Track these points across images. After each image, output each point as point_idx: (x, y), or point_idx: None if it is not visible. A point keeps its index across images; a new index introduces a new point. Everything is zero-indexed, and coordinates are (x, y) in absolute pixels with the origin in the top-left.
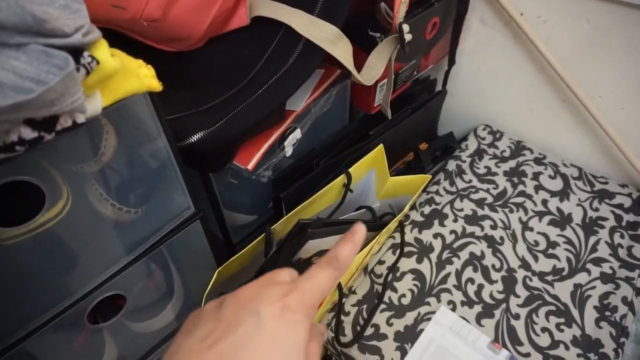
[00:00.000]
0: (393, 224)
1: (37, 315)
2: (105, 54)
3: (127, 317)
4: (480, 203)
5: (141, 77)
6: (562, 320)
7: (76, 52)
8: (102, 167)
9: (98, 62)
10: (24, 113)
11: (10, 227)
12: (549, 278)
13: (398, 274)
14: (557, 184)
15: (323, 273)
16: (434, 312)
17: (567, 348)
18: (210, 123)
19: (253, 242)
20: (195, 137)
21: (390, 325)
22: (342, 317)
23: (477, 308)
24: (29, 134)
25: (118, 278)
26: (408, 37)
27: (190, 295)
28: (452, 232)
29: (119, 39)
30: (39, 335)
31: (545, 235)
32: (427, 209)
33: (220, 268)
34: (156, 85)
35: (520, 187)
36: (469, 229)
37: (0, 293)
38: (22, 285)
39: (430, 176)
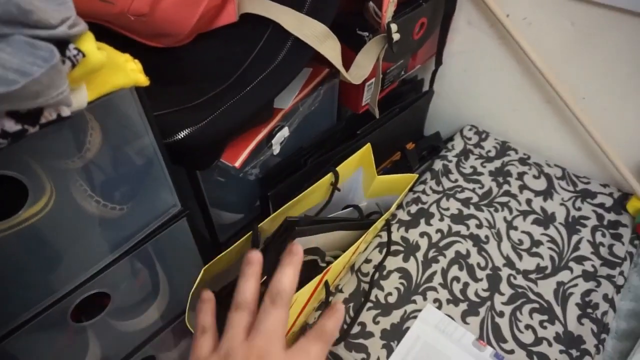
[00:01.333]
0: (380, 223)
1: (18, 314)
2: (92, 47)
3: (111, 316)
4: (466, 202)
5: (128, 71)
6: (545, 317)
7: (62, 44)
8: (87, 163)
9: (84, 55)
10: (8, 105)
11: None
12: (533, 276)
13: (384, 273)
14: (541, 184)
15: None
16: (420, 310)
17: (550, 344)
18: (198, 120)
19: (240, 241)
20: (182, 134)
21: (377, 323)
22: None
23: (463, 306)
24: (12, 126)
25: (102, 276)
26: (396, 36)
27: (176, 294)
28: (438, 231)
29: (106, 34)
30: (21, 333)
31: (529, 234)
32: (413, 208)
33: (207, 266)
34: (143, 80)
35: (505, 187)
36: (455, 228)
37: None
38: (3, 282)
39: (417, 175)
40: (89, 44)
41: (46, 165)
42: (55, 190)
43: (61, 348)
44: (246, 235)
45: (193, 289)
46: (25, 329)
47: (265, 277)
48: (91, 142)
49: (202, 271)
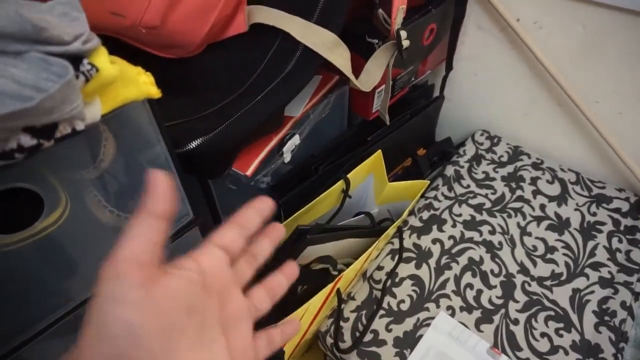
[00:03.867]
0: (392, 230)
1: (35, 322)
2: (105, 62)
3: None
4: (478, 208)
5: (140, 84)
6: (561, 325)
7: (75, 59)
8: (101, 174)
9: (97, 70)
10: (23, 121)
11: (9, 233)
12: (548, 283)
13: (397, 280)
14: (555, 189)
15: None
16: (433, 318)
17: (566, 353)
18: (209, 129)
19: None
20: (194, 144)
21: (390, 331)
22: (341, 323)
23: (476, 313)
24: (28, 141)
25: None
26: (406, 43)
27: None
28: (451, 237)
29: (118, 46)
30: (37, 342)
31: (543, 240)
32: (425, 215)
33: None
34: (155, 92)
35: (519, 192)
36: (468, 234)
37: (0, 298)
38: (20, 292)
39: (429, 182)
40: (102, 59)
41: (61, 176)
42: (70, 201)
43: None
44: None
45: None
46: (42, 337)
47: None
48: (105, 153)
49: None
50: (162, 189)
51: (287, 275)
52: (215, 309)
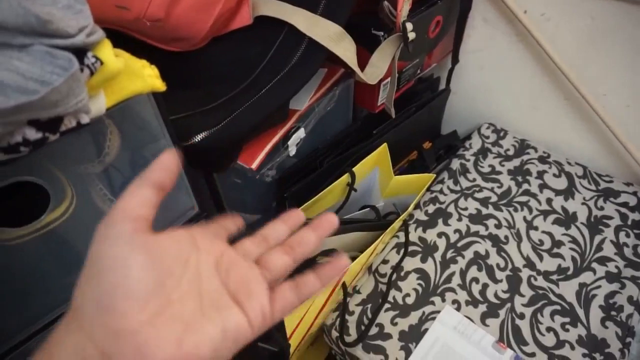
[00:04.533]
0: (397, 223)
1: (41, 316)
2: (109, 54)
3: None
4: (484, 202)
5: (145, 77)
6: (567, 319)
7: (80, 52)
8: (106, 168)
9: (102, 63)
10: (28, 114)
11: (15, 227)
12: (554, 277)
13: (402, 274)
14: (561, 183)
15: None
16: (438, 312)
17: (572, 348)
18: (214, 123)
19: None
20: (198, 137)
21: (395, 324)
22: (347, 317)
23: (482, 307)
24: (33, 134)
25: None
26: (411, 35)
27: None
28: (457, 231)
29: (122, 39)
30: (43, 336)
31: (550, 234)
32: (431, 208)
33: None
34: (160, 85)
35: (525, 186)
36: (473, 228)
37: (4, 294)
38: (26, 286)
39: (435, 175)
40: (107, 52)
41: (66, 170)
42: (75, 195)
43: None
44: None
45: None
46: (47, 332)
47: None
48: (110, 146)
49: None
50: (164, 164)
51: (318, 230)
52: (214, 274)
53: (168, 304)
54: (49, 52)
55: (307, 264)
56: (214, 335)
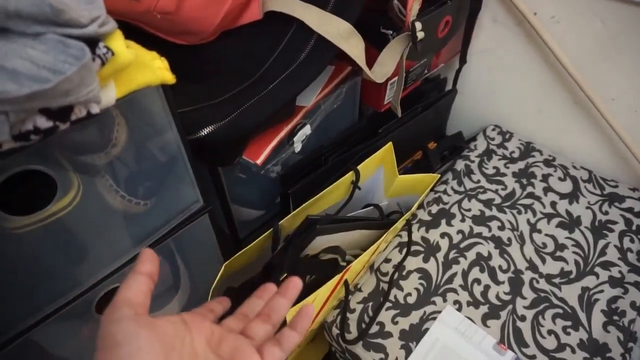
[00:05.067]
0: (400, 223)
1: (45, 305)
2: (121, 45)
3: None
4: (488, 203)
5: (155, 69)
6: (568, 323)
7: (92, 42)
8: (113, 159)
9: (113, 53)
10: (40, 102)
11: (22, 216)
12: (557, 280)
13: (404, 273)
14: (566, 187)
15: None
16: (439, 312)
17: (573, 351)
18: (221, 117)
19: (260, 237)
20: (205, 131)
21: (396, 323)
22: (348, 315)
23: (483, 309)
24: (44, 123)
25: (126, 269)
26: (420, 35)
27: (196, 289)
28: (460, 232)
29: (132, 31)
30: (47, 324)
31: (553, 237)
32: (434, 208)
33: (228, 262)
34: (170, 77)
35: (529, 189)
36: (477, 229)
37: (9, 281)
38: (31, 274)
39: (439, 175)
40: (118, 42)
41: (74, 160)
42: (82, 185)
43: (85, 339)
44: (267, 232)
45: (214, 284)
46: (51, 320)
47: (285, 275)
48: (117, 138)
49: (223, 267)
50: (149, 257)
51: (287, 296)
52: (207, 349)
53: None
54: (61, 41)
55: (312, 262)
56: None
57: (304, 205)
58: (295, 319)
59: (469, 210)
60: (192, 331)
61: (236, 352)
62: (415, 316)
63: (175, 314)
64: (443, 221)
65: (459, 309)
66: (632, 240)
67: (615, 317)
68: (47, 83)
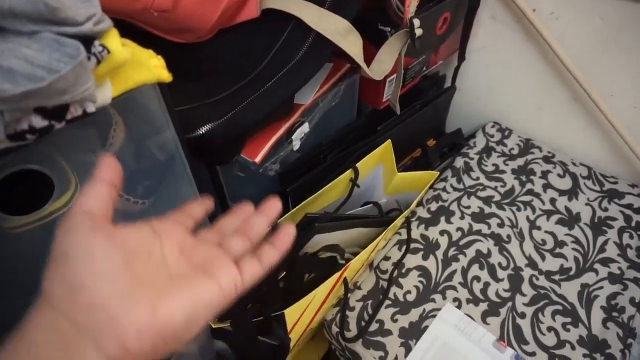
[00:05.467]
0: (399, 220)
1: None
2: (116, 44)
3: None
4: (487, 201)
5: (151, 67)
6: (568, 319)
7: (87, 41)
8: None
9: (109, 52)
10: (35, 101)
11: (20, 215)
12: (556, 277)
13: (403, 270)
14: (566, 183)
15: None
16: (439, 309)
17: (573, 348)
18: (219, 115)
19: None
20: (203, 129)
21: (395, 321)
22: (347, 312)
23: (483, 306)
24: (39, 122)
25: None
26: (418, 32)
27: None
28: (459, 229)
29: (129, 29)
30: None
31: (552, 234)
32: (433, 206)
33: None
34: (166, 76)
35: (529, 186)
36: (476, 226)
37: (8, 281)
38: (30, 274)
39: (438, 173)
40: (114, 41)
41: (71, 159)
42: (79, 185)
43: None
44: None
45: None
46: None
47: (284, 273)
48: (114, 136)
49: None
50: (110, 163)
51: (266, 214)
52: (179, 257)
53: (138, 281)
54: (56, 40)
55: (311, 260)
56: (187, 303)
57: (302, 203)
58: (275, 237)
59: (468, 207)
60: (162, 239)
61: (211, 262)
62: (414, 314)
63: (144, 222)
64: (442, 218)
65: (459, 307)
66: (631, 237)
67: (615, 314)
68: (42, 82)
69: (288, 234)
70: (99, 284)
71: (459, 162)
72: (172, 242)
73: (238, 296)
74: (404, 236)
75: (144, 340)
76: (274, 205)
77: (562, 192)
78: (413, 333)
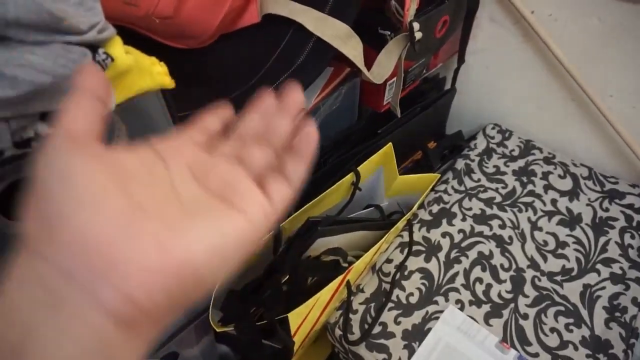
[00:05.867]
0: (401, 223)
1: None
2: (120, 51)
3: None
4: (489, 202)
5: (154, 74)
6: (571, 320)
7: (91, 49)
8: None
9: (113, 59)
10: (40, 105)
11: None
12: (558, 278)
13: (406, 273)
14: (566, 184)
15: None
16: (442, 311)
17: (576, 348)
18: None
19: (262, 240)
20: None
21: (398, 323)
22: (350, 315)
23: (486, 307)
24: (45, 129)
25: None
26: (418, 35)
27: None
28: (461, 231)
29: (130, 36)
30: None
31: (554, 235)
32: (435, 208)
33: None
34: (169, 82)
35: (530, 187)
36: (478, 228)
37: None
38: None
39: (439, 175)
40: (118, 48)
41: None
42: None
43: None
44: (268, 235)
45: (215, 287)
46: None
47: (287, 277)
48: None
49: None
50: (92, 71)
51: (287, 111)
52: (189, 180)
53: (140, 211)
54: (62, 47)
55: (314, 263)
56: (209, 237)
57: (304, 207)
58: (297, 142)
59: (470, 209)
60: (167, 159)
61: (229, 188)
62: (417, 316)
63: (143, 143)
64: (444, 221)
65: (461, 308)
66: (632, 237)
67: (617, 314)
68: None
69: (311, 134)
70: (85, 213)
71: (460, 164)
72: (181, 163)
73: (271, 226)
74: (406, 239)
75: (154, 288)
76: (295, 97)
77: (563, 193)
78: (416, 335)
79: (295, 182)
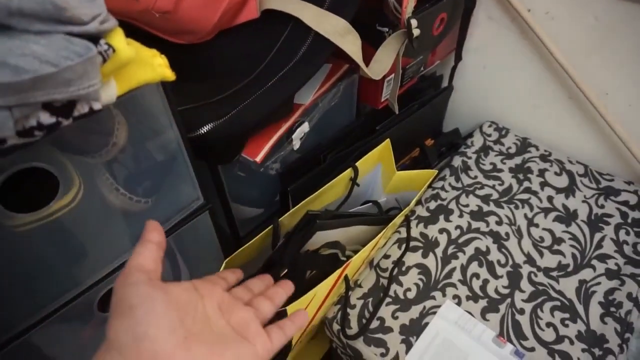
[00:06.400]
0: (399, 219)
1: (45, 305)
2: (121, 42)
3: None
4: (485, 199)
5: (155, 66)
6: (567, 315)
7: (93, 39)
8: (114, 157)
9: (114, 50)
10: (42, 92)
11: (24, 213)
12: (554, 274)
13: (403, 268)
14: (562, 181)
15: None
16: (439, 306)
17: (571, 343)
18: (220, 115)
19: (260, 234)
20: (205, 129)
21: (396, 318)
22: (348, 310)
23: (482, 303)
24: (47, 119)
25: None
26: (416, 32)
27: None
28: (458, 227)
29: (130, 31)
30: (45, 326)
31: (550, 231)
32: (432, 204)
33: (228, 259)
34: (170, 74)
35: (526, 184)
36: (475, 224)
37: (10, 280)
38: (31, 273)
39: (436, 171)
40: (119, 40)
41: (75, 158)
42: (83, 183)
43: (86, 340)
44: (266, 230)
45: None
46: (51, 320)
47: (285, 271)
48: (118, 136)
49: (223, 264)
50: (155, 227)
51: (284, 289)
52: (219, 315)
53: (190, 335)
54: (65, 39)
55: (312, 256)
56: (234, 358)
57: (303, 202)
58: (293, 315)
59: (467, 205)
60: (204, 297)
61: (244, 326)
62: (415, 311)
63: (187, 281)
64: (441, 217)
65: (459, 304)
66: (627, 233)
67: (612, 309)
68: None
69: (304, 314)
70: (161, 334)
71: (457, 161)
72: (213, 300)
73: None
74: (404, 234)
75: None
76: (288, 286)
77: (559, 190)
78: (414, 330)
79: (290, 336)
